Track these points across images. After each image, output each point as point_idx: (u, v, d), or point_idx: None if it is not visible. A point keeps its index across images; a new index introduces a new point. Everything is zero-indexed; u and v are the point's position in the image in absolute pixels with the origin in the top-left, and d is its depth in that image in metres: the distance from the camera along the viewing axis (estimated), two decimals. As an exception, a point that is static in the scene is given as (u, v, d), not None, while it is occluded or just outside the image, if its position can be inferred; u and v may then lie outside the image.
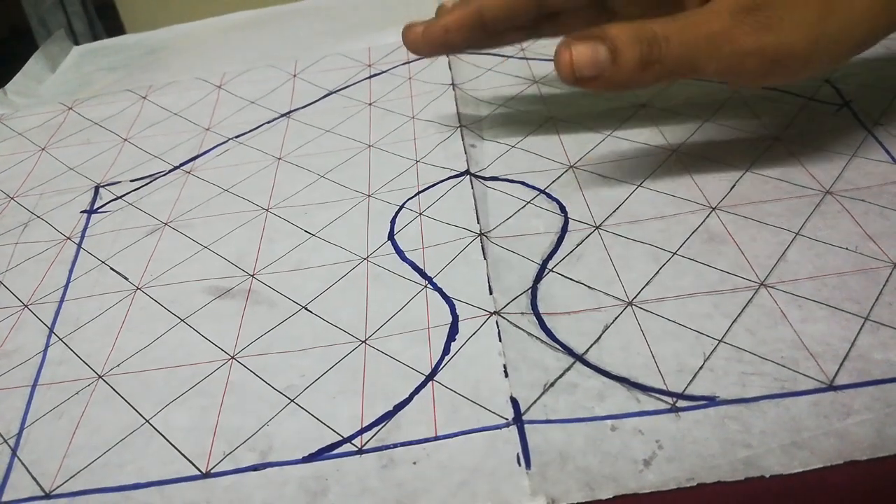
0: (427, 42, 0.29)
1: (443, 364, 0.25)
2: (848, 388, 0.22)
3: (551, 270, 0.28)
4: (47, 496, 0.23)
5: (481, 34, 0.28)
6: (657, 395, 0.23)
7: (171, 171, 0.38)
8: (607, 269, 0.28)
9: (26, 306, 0.31)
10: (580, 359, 0.24)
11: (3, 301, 0.31)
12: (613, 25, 0.25)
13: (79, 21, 1.29)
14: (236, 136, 0.41)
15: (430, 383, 0.24)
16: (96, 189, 0.38)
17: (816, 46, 0.25)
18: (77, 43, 0.57)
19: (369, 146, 0.38)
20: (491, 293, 0.27)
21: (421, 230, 0.31)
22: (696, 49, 0.25)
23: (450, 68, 0.43)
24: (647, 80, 0.26)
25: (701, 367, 0.23)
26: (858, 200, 0.29)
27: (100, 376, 0.27)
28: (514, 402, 0.23)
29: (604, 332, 0.25)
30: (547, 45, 0.45)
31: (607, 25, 0.26)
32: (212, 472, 0.23)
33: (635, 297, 0.26)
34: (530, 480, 0.21)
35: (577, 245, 0.29)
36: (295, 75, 0.46)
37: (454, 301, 0.27)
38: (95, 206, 0.36)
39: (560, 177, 0.33)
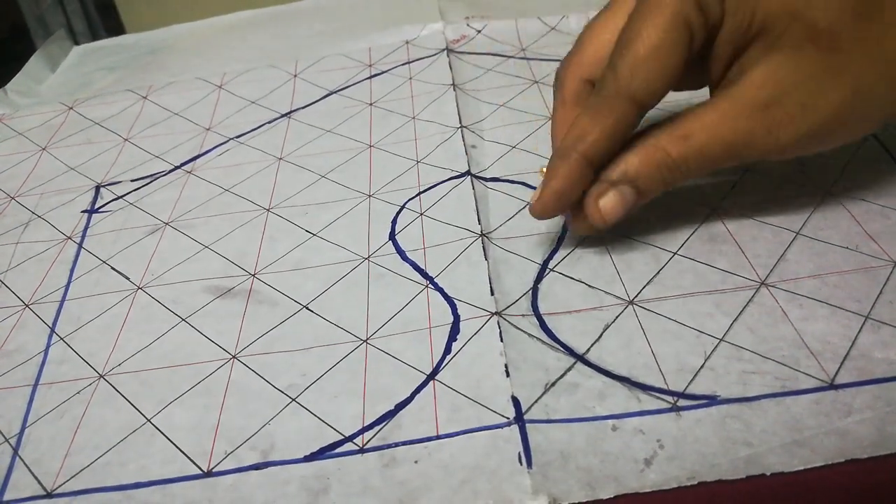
0: (549, 212, 0.27)
1: (444, 363, 0.25)
2: (849, 387, 0.22)
3: (552, 270, 0.28)
4: (49, 495, 0.23)
5: (591, 174, 0.26)
6: (658, 395, 0.23)
7: (171, 170, 0.38)
8: (608, 269, 0.28)
9: (27, 306, 0.31)
10: (581, 358, 0.24)
11: (5, 301, 0.31)
12: (630, 159, 0.25)
13: (78, 20, 1.29)
14: (237, 136, 0.41)
15: (431, 383, 0.24)
16: (97, 189, 0.38)
17: (842, 129, 0.25)
18: (77, 42, 0.57)
19: (370, 146, 0.38)
20: (492, 293, 0.27)
21: (422, 230, 0.31)
22: (715, 161, 0.25)
23: (450, 68, 0.43)
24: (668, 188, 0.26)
25: (702, 367, 0.23)
26: (859, 200, 0.29)
27: (101, 376, 0.27)
28: (516, 401, 0.23)
29: (604, 331, 0.25)
30: (547, 45, 0.45)
31: (624, 160, 0.25)
32: (213, 471, 0.23)
33: (636, 297, 0.26)
34: (532, 480, 0.21)
35: (578, 244, 0.29)
36: (295, 75, 0.46)
37: (455, 301, 0.27)
38: (96, 206, 0.36)
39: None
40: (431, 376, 0.25)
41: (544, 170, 0.27)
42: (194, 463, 0.23)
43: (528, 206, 0.27)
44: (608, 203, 0.25)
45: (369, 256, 0.30)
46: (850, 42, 0.23)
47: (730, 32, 0.24)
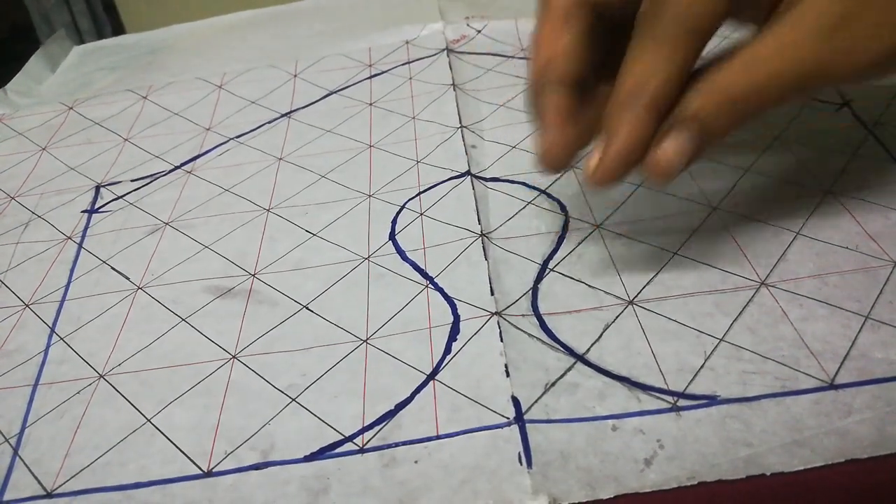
0: (615, 178, 0.23)
1: (444, 363, 0.25)
2: (849, 387, 0.22)
3: (552, 270, 0.28)
4: (49, 495, 0.23)
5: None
6: (658, 395, 0.23)
7: (171, 170, 0.38)
8: (608, 269, 0.28)
9: (27, 306, 0.31)
10: (581, 358, 0.24)
11: (5, 301, 0.31)
12: (689, 97, 0.22)
13: (83, 18, 1.29)
14: (237, 136, 0.41)
15: (431, 383, 0.24)
16: (97, 189, 0.38)
17: None
18: (82, 40, 0.57)
19: (370, 146, 0.38)
20: (492, 293, 0.27)
21: (422, 230, 0.31)
22: (783, 92, 0.22)
23: (450, 68, 0.43)
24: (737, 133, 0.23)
25: (702, 367, 0.23)
26: (859, 200, 0.29)
27: (101, 376, 0.27)
28: (516, 401, 0.23)
29: (604, 331, 0.25)
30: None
31: (681, 100, 0.22)
32: (213, 471, 0.23)
33: (636, 297, 0.26)
34: (532, 480, 0.21)
35: (578, 244, 0.29)
36: (295, 75, 0.46)
37: (455, 301, 0.27)
38: (96, 206, 0.36)
39: (561, 177, 0.33)
40: (431, 376, 0.25)
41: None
42: (194, 463, 0.23)
43: (584, 176, 0.23)
44: (670, 150, 0.22)
45: (369, 256, 0.30)
46: None
47: None
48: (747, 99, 0.22)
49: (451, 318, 0.27)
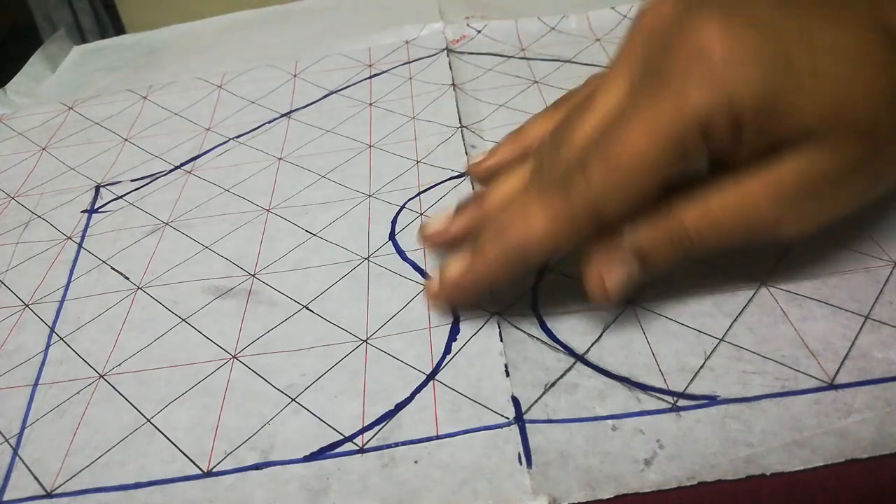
0: (455, 301, 0.26)
1: (444, 363, 0.25)
2: (848, 387, 0.22)
3: (552, 270, 0.28)
4: (49, 495, 0.23)
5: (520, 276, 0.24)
6: (658, 395, 0.23)
7: (171, 170, 0.38)
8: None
9: (27, 306, 0.31)
10: (581, 359, 0.24)
11: (5, 301, 0.31)
12: (641, 227, 0.22)
13: (86, 17, 1.29)
14: (237, 136, 0.41)
15: (431, 382, 0.24)
16: (97, 189, 0.38)
17: (854, 207, 0.23)
18: (84, 39, 0.57)
19: (370, 146, 0.38)
20: (492, 293, 0.27)
21: (422, 230, 0.31)
22: (729, 241, 0.23)
23: (450, 68, 0.43)
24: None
25: (702, 367, 0.23)
26: (859, 200, 0.29)
27: (101, 375, 0.27)
28: (516, 401, 0.23)
29: (604, 331, 0.25)
30: (548, 46, 0.45)
31: (634, 227, 0.22)
32: (213, 471, 0.23)
33: (636, 297, 0.26)
34: (532, 480, 0.21)
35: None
36: (295, 75, 0.46)
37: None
38: (96, 206, 0.36)
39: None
40: (431, 376, 0.25)
41: (451, 210, 0.24)
42: (194, 463, 0.23)
43: (425, 288, 0.24)
44: (613, 276, 0.22)
45: (369, 256, 0.30)
46: (885, 133, 0.21)
47: (749, 146, 0.21)
48: (699, 239, 0.22)
49: (450, 318, 0.27)
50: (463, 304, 0.25)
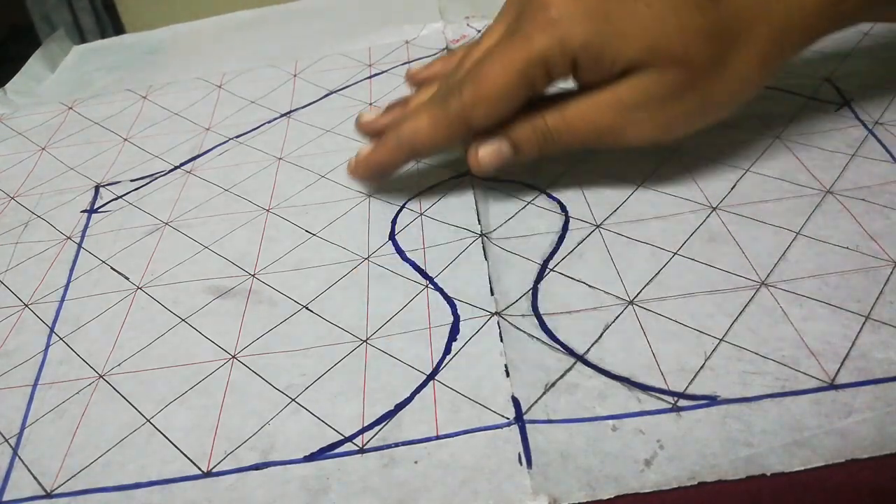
0: (361, 176, 0.33)
1: (444, 364, 0.25)
2: (849, 387, 0.22)
3: (552, 270, 0.28)
4: (48, 495, 0.23)
5: (415, 160, 0.34)
6: (658, 395, 0.23)
7: (171, 170, 0.38)
8: (608, 269, 0.28)
9: (27, 306, 0.31)
10: (581, 359, 0.24)
11: (4, 301, 0.31)
12: (515, 124, 0.29)
13: (86, 17, 1.29)
14: (237, 136, 0.41)
15: (431, 383, 0.24)
16: (97, 189, 0.38)
17: (685, 129, 0.29)
18: (84, 39, 0.57)
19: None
20: (492, 293, 0.27)
21: (422, 230, 0.31)
22: (583, 140, 0.29)
23: (450, 68, 0.43)
24: (546, 157, 0.30)
25: (702, 367, 0.23)
26: (859, 200, 0.29)
27: (101, 376, 0.27)
28: (516, 401, 0.23)
29: (604, 331, 0.25)
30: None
31: (510, 124, 0.29)
32: (213, 471, 0.23)
33: (636, 297, 0.26)
34: (532, 480, 0.21)
35: (578, 244, 0.29)
36: (295, 75, 0.46)
37: (455, 301, 0.27)
38: (96, 206, 0.36)
39: (561, 177, 0.33)
40: (431, 376, 0.25)
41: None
42: (194, 463, 0.23)
43: (350, 160, 0.33)
44: (486, 152, 0.29)
45: (369, 256, 0.30)
46: (700, 62, 0.27)
47: (592, 76, 0.28)
48: (556, 134, 0.29)
49: (450, 319, 0.26)
50: (371, 179, 0.34)
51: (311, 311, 0.28)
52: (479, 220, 0.31)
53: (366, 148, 0.32)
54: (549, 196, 0.32)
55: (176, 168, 0.39)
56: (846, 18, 0.28)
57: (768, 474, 0.20)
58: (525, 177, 0.33)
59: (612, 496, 0.20)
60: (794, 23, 0.27)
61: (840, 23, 0.28)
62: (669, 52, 0.26)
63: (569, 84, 0.29)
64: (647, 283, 0.27)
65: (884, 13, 0.30)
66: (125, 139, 0.42)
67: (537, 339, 0.25)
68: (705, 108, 0.28)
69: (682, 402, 0.22)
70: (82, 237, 0.34)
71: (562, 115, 0.29)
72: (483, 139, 0.29)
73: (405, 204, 0.33)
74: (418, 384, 0.24)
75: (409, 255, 0.30)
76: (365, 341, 0.26)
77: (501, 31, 0.30)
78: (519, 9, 0.29)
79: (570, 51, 0.27)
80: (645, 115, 0.28)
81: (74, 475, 0.23)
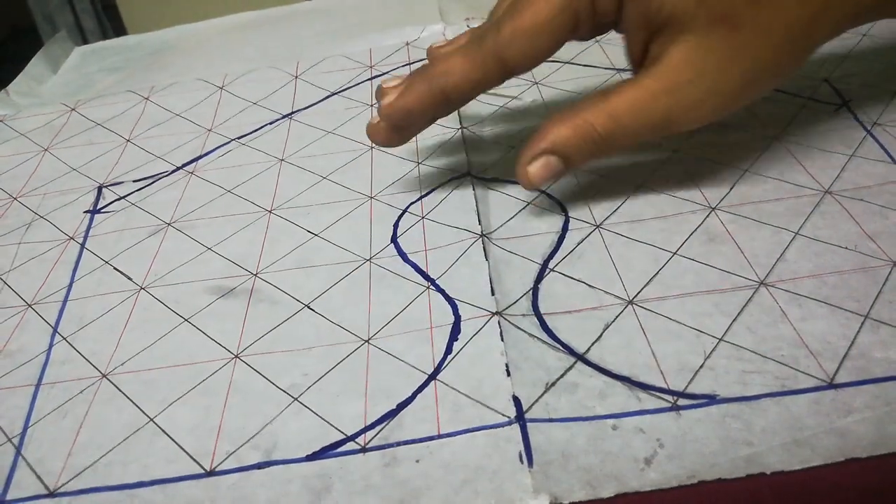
0: (393, 121, 0.30)
1: (445, 363, 0.25)
2: (848, 387, 0.22)
3: (552, 270, 0.28)
4: (51, 494, 0.23)
5: (445, 110, 0.29)
6: (658, 394, 0.23)
7: (173, 171, 0.38)
8: (608, 269, 0.28)
9: (30, 306, 0.31)
10: (581, 358, 0.24)
11: (7, 301, 0.31)
12: (556, 128, 0.27)
13: (88, 18, 1.29)
14: (239, 137, 0.41)
15: (432, 382, 0.24)
16: (99, 189, 0.38)
17: (744, 98, 0.27)
18: (86, 40, 0.57)
19: (371, 148, 0.38)
20: (493, 294, 0.27)
21: (423, 232, 0.31)
22: (638, 136, 0.27)
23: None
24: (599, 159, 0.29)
25: (701, 366, 0.23)
26: (857, 200, 0.29)
27: (104, 375, 0.27)
28: (517, 400, 0.23)
29: (605, 331, 0.25)
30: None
31: (550, 129, 0.27)
32: (216, 470, 0.23)
33: (636, 296, 0.26)
34: (533, 479, 0.21)
35: (578, 244, 0.29)
36: (296, 76, 0.46)
37: (456, 302, 0.27)
38: (98, 207, 0.37)
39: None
40: (433, 376, 0.25)
41: (386, 86, 0.29)
42: (197, 462, 0.23)
43: (371, 120, 0.30)
44: (537, 169, 0.28)
45: (371, 258, 0.30)
46: (747, 22, 0.25)
47: (635, 20, 0.26)
48: (610, 137, 0.27)
49: (452, 319, 0.27)
50: (393, 134, 0.30)
51: (314, 311, 0.28)
52: (479, 221, 0.31)
53: (389, 95, 0.29)
54: (549, 196, 0.32)
55: (178, 169, 0.39)
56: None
57: (768, 473, 0.20)
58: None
59: (613, 495, 0.20)
60: None
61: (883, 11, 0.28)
62: (717, 5, 0.25)
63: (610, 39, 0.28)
64: (647, 283, 0.27)
65: None
66: (128, 140, 0.42)
67: (538, 338, 0.25)
68: (758, 75, 0.26)
69: (682, 402, 0.22)
70: (85, 237, 0.34)
71: (609, 115, 0.27)
72: (529, 152, 0.28)
73: (407, 208, 0.33)
74: (420, 384, 0.24)
75: (410, 256, 0.30)
76: (367, 341, 0.26)
77: None
78: None
79: None
80: (700, 93, 0.26)
81: (77, 474, 0.23)
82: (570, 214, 0.31)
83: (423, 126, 0.30)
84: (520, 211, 0.31)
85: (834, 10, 0.26)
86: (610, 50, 0.43)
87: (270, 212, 0.34)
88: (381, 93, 0.30)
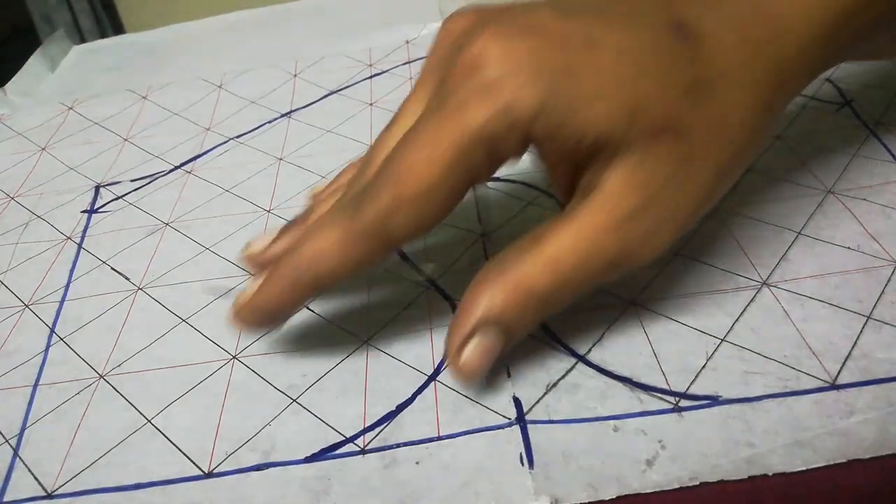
0: (249, 326, 0.24)
1: (445, 364, 0.25)
2: (850, 387, 0.22)
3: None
4: (49, 496, 0.23)
5: (317, 295, 0.24)
6: (660, 395, 0.23)
7: (171, 170, 0.38)
8: (609, 269, 0.28)
9: (27, 306, 0.31)
10: (582, 359, 0.24)
11: (4, 301, 0.31)
12: (487, 294, 0.21)
13: (85, 18, 1.29)
14: (237, 136, 0.41)
15: (432, 383, 0.24)
16: (97, 189, 0.38)
17: (710, 206, 0.22)
18: (83, 39, 0.57)
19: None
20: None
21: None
22: (591, 282, 0.21)
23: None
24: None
25: (703, 367, 0.23)
26: (860, 199, 0.29)
27: (101, 376, 0.27)
28: (517, 401, 0.23)
29: (606, 331, 0.25)
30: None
31: (479, 297, 0.21)
32: (214, 472, 0.23)
33: (637, 297, 0.26)
34: (533, 480, 0.21)
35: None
36: (295, 75, 0.46)
37: (456, 302, 0.27)
38: (96, 206, 0.36)
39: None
40: (433, 377, 0.25)
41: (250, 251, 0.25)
42: (195, 464, 0.23)
43: (231, 307, 0.24)
44: (472, 357, 0.21)
45: (370, 256, 0.30)
46: (695, 125, 0.21)
47: (554, 156, 0.22)
48: (558, 294, 0.21)
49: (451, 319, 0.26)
50: (261, 329, 0.25)
51: (312, 312, 0.28)
52: (479, 221, 0.31)
53: (248, 287, 0.24)
54: (550, 196, 0.32)
55: (176, 168, 0.38)
56: (844, 52, 0.24)
57: (770, 474, 0.20)
58: (525, 177, 0.33)
59: (614, 496, 0.20)
60: (790, 60, 0.22)
61: (836, 59, 0.25)
62: (654, 117, 0.20)
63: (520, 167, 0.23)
64: (649, 283, 0.27)
65: (874, 49, 0.26)
66: (125, 139, 0.42)
67: (538, 339, 0.25)
68: (721, 178, 0.22)
69: (684, 403, 0.22)
70: (82, 237, 0.34)
71: (550, 268, 0.21)
72: (458, 333, 0.21)
73: (406, 204, 0.33)
74: (419, 385, 0.24)
75: (410, 256, 0.30)
76: (366, 342, 0.26)
77: (422, 104, 0.23)
78: (442, 73, 0.22)
79: (520, 122, 0.20)
80: (655, 218, 0.21)
81: (75, 476, 0.23)
82: (570, 214, 0.30)
83: (298, 311, 0.24)
84: (520, 211, 0.31)
85: (788, 89, 0.23)
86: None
87: (269, 211, 0.34)
88: (245, 253, 0.26)
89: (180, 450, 0.23)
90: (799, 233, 0.28)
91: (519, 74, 0.20)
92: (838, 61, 0.25)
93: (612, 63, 0.20)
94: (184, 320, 0.28)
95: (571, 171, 0.22)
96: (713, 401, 0.22)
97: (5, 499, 0.23)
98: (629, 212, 0.21)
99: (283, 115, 0.42)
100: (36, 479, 0.23)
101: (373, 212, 0.21)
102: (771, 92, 0.22)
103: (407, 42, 0.48)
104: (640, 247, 0.21)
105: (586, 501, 0.20)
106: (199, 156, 0.39)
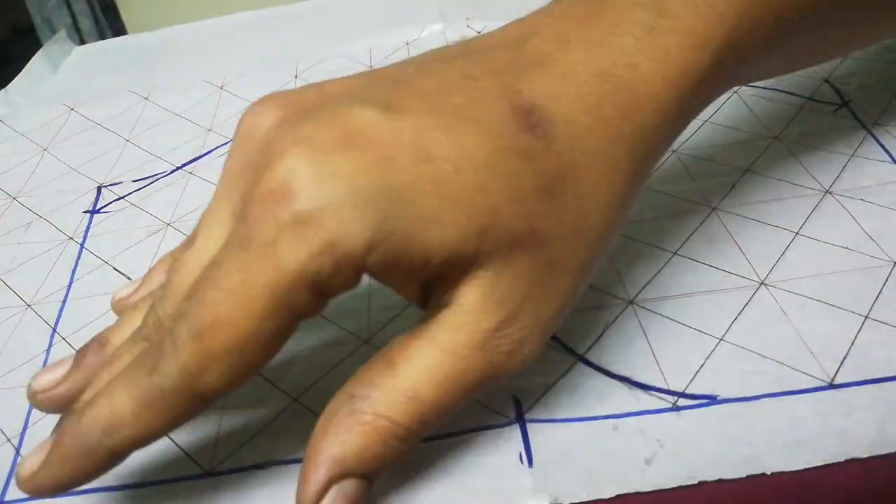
0: (39, 494, 0.20)
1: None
2: (848, 387, 0.22)
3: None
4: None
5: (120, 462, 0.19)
6: (658, 394, 0.23)
7: (173, 171, 0.38)
8: (608, 269, 0.28)
9: (29, 306, 0.31)
10: (581, 358, 0.24)
11: (6, 301, 0.31)
12: (340, 439, 0.19)
13: (85, 19, 1.29)
14: (238, 137, 0.41)
15: (432, 382, 0.24)
16: (99, 189, 0.38)
17: (587, 284, 0.21)
18: (83, 41, 0.57)
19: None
20: None
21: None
22: (457, 405, 0.19)
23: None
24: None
25: (702, 366, 0.23)
26: (858, 200, 0.29)
27: (103, 376, 0.27)
28: (516, 400, 0.23)
29: (604, 331, 0.25)
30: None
31: (330, 443, 0.19)
32: (215, 470, 0.23)
33: (636, 297, 0.26)
34: (533, 479, 0.21)
35: (579, 245, 0.29)
36: (296, 76, 0.46)
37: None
38: (98, 207, 0.36)
39: None
40: (432, 376, 0.25)
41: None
42: (196, 462, 0.23)
43: (17, 475, 0.19)
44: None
45: (370, 257, 0.30)
46: (552, 229, 0.19)
47: (398, 281, 0.19)
48: (420, 427, 0.19)
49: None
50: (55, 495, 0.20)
51: (313, 312, 0.28)
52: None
53: (29, 458, 0.19)
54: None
55: (178, 169, 0.39)
56: (714, 94, 0.22)
57: (768, 473, 0.20)
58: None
59: (613, 495, 0.20)
60: (649, 132, 0.20)
61: (703, 106, 0.22)
62: (506, 231, 0.18)
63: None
64: (647, 283, 0.27)
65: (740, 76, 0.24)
66: (127, 140, 0.42)
67: (538, 338, 0.25)
68: (588, 271, 0.20)
69: (683, 402, 0.22)
70: (84, 237, 0.34)
71: (408, 398, 0.18)
72: (310, 486, 0.18)
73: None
74: (419, 384, 0.24)
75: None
76: (367, 341, 0.26)
77: (226, 218, 0.20)
78: (244, 186, 0.18)
79: (349, 258, 0.17)
80: (521, 330, 0.19)
81: (77, 474, 0.23)
82: (570, 214, 0.31)
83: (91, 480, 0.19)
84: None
85: (652, 155, 0.21)
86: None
87: (270, 212, 0.34)
88: (31, 397, 0.22)
89: (182, 448, 0.24)
90: (797, 233, 0.28)
91: (340, 207, 0.17)
92: (703, 107, 0.22)
93: (452, 176, 0.17)
94: (185, 320, 0.29)
95: (422, 286, 0.19)
96: (712, 400, 0.22)
97: (7, 498, 0.23)
98: (493, 327, 0.19)
99: (283, 116, 0.42)
100: (38, 477, 0.23)
101: (176, 369, 0.18)
102: (632, 173, 0.20)
103: (407, 43, 0.48)
104: (509, 360, 0.19)
105: (585, 500, 0.20)
106: (200, 156, 0.39)
